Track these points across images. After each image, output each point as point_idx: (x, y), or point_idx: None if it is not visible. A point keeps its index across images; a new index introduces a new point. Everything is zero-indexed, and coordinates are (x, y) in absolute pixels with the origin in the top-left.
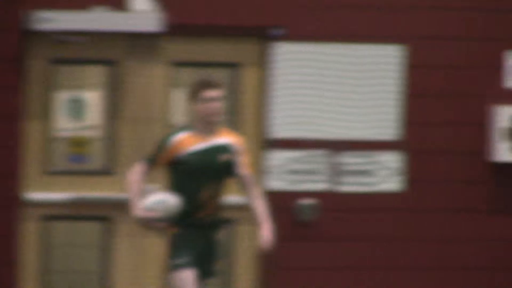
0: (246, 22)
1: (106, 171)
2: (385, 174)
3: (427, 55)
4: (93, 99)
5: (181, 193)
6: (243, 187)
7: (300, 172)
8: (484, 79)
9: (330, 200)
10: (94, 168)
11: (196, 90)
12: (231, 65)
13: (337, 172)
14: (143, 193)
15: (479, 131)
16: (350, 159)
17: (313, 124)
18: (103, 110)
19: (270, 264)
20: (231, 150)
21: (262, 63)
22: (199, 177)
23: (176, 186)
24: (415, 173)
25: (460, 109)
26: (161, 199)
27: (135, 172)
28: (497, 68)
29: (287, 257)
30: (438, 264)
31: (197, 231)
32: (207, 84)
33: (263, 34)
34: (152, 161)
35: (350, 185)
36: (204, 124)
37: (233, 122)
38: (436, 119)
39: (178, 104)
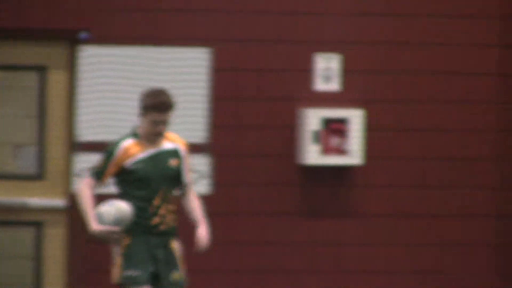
0: (55, 25)
1: None
2: (193, 177)
3: (235, 58)
4: None
5: (133, 202)
6: (183, 194)
7: None
8: (294, 82)
9: None
10: None
11: (148, 108)
12: (39, 68)
13: None
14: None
15: (289, 134)
16: None
17: (119, 127)
18: None
19: (78, 265)
20: (179, 155)
21: (70, 66)
22: (150, 184)
23: (126, 195)
24: (223, 176)
25: (269, 112)
26: (117, 212)
27: (85, 187)
28: (306, 71)
29: (96, 259)
30: (251, 267)
31: (152, 239)
32: (159, 107)
33: (71, 37)
34: (101, 174)
35: None
36: (152, 132)
37: (42, 125)
38: (246, 122)
39: None
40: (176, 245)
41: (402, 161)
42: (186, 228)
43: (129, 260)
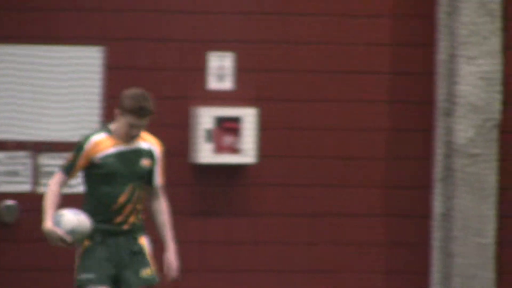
0: None
1: None
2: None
3: (128, 56)
4: None
5: (97, 198)
6: (151, 197)
7: (2, 174)
8: (187, 80)
9: (31, 202)
10: None
11: (127, 110)
12: None
13: (38, 173)
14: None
15: (182, 132)
16: (51, 161)
17: (14, 125)
18: None
19: None
20: (154, 156)
21: None
22: (117, 180)
23: (92, 190)
24: None
25: (162, 111)
26: (78, 224)
27: (54, 183)
28: (199, 70)
29: None
30: None
31: (115, 238)
32: (138, 112)
33: None
34: (70, 168)
35: None
36: (125, 132)
37: None
38: None
39: None
40: (144, 242)
41: (295, 160)
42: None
43: (85, 263)
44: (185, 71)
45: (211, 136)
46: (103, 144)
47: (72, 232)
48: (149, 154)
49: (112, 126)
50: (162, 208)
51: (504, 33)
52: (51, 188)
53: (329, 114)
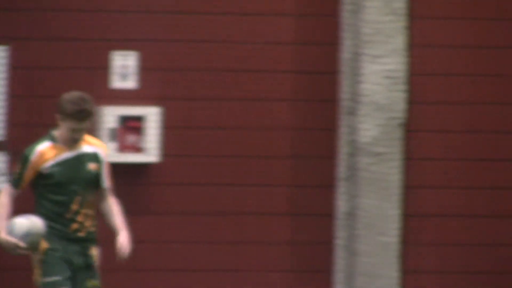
0: None
1: None
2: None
3: (33, 55)
4: None
5: (49, 208)
6: (101, 199)
7: None
8: (91, 79)
9: None
10: None
11: (66, 115)
12: None
13: None
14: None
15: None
16: None
17: None
18: None
19: None
20: (99, 158)
21: None
22: (67, 188)
23: (43, 201)
24: None
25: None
26: (29, 225)
27: (3, 195)
28: (103, 69)
29: None
30: None
31: (70, 245)
32: (78, 116)
33: None
34: (18, 181)
35: None
36: (70, 138)
37: None
38: (42, 120)
39: None
40: (95, 252)
41: (199, 159)
42: (104, 233)
43: (47, 266)
44: (89, 70)
45: (115, 135)
46: (48, 153)
47: (27, 234)
48: (94, 157)
49: (56, 133)
50: (113, 208)
51: (408, 31)
52: (1, 200)
53: (233, 113)
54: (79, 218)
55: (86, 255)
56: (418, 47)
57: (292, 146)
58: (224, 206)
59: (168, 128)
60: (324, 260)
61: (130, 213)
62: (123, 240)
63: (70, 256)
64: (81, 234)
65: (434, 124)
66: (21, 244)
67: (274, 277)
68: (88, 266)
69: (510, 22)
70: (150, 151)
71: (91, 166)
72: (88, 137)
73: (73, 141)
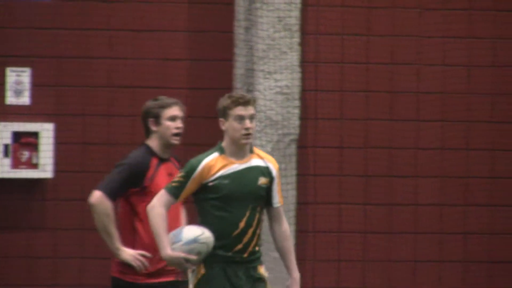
0: None
1: None
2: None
3: None
4: None
5: (214, 224)
6: (272, 220)
7: None
8: None
9: None
10: None
11: (228, 106)
12: None
13: None
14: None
15: None
16: None
17: None
18: None
19: None
20: (271, 174)
21: None
22: (234, 204)
23: (207, 216)
24: None
25: None
26: (197, 235)
27: (160, 205)
28: None
29: None
30: None
31: (234, 269)
32: (239, 101)
33: None
34: (178, 191)
35: None
36: (236, 145)
37: None
38: None
39: None
40: (263, 271)
41: (91, 175)
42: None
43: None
44: None
45: (9, 151)
46: (215, 164)
47: (194, 241)
48: (266, 171)
49: (224, 143)
50: (286, 233)
51: (302, 48)
52: (158, 212)
53: (124, 129)
54: (245, 238)
55: (254, 275)
56: (311, 63)
57: (186, 161)
58: None
59: (62, 144)
60: None
61: (25, 229)
62: (294, 285)
63: (234, 281)
64: (245, 255)
65: (328, 140)
66: (190, 256)
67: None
68: (259, 285)
69: (402, 38)
70: (44, 167)
71: (262, 180)
72: (259, 151)
73: (244, 137)
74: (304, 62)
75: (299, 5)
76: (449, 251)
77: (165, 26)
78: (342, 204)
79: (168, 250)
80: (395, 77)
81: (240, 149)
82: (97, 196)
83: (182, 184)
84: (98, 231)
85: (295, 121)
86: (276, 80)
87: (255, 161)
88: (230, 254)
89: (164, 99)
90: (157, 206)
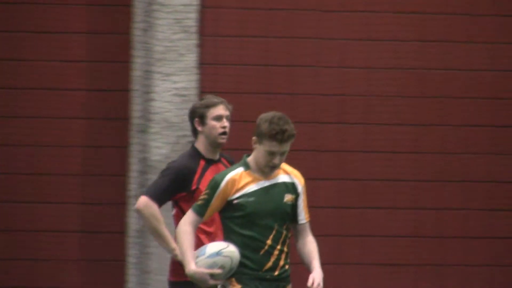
0: None
1: None
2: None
3: None
4: None
5: (239, 243)
6: (297, 236)
7: None
8: None
9: None
10: None
11: (265, 135)
12: None
13: None
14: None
15: None
16: None
17: None
18: None
19: None
20: (297, 189)
21: None
22: (260, 221)
23: (231, 235)
24: None
25: None
26: (221, 248)
27: (186, 223)
28: None
29: None
30: None
31: (267, 286)
32: (278, 137)
33: None
34: (204, 209)
35: None
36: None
37: None
38: None
39: None
40: None
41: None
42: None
43: None
44: None
45: None
46: (241, 181)
47: (217, 253)
48: (292, 187)
49: (250, 158)
50: (308, 240)
51: (199, 49)
52: (184, 229)
53: (25, 130)
54: (272, 256)
55: None
56: (209, 65)
57: (84, 163)
58: (16, 224)
59: None
60: (115, 278)
61: None
62: (316, 274)
63: None
64: (276, 274)
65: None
66: (214, 271)
67: None
68: None
69: (301, 40)
70: None
71: (288, 197)
72: (285, 165)
73: (270, 168)
74: (202, 64)
75: (197, 7)
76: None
77: (64, 28)
78: None
79: (192, 265)
80: (295, 79)
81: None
82: (142, 201)
83: (206, 202)
84: (153, 236)
85: None
86: (173, 82)
87: (281, 177)
88: (260, 272)
89: (210, 98)
90: (183, 224)
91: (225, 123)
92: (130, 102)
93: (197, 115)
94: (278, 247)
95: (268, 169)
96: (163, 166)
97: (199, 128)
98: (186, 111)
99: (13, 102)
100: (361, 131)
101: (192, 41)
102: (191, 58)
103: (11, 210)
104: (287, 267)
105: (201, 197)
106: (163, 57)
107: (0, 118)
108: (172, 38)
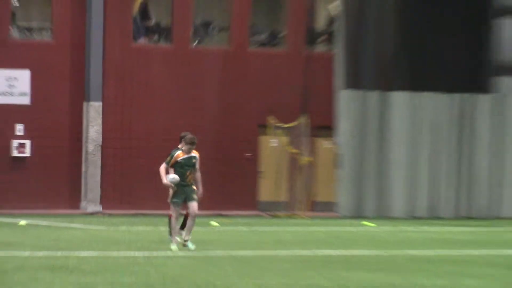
0: None
1: None
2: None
3: None
4: None
5: (179, 174)
6: (194, 172)
7: None
8: None
9: None
10: None
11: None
12: None
13: None
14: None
15: None
16: None
17: None
18: None
19: None
20: (196, 158)
21: None
22: (184, 168)
23: (176, 172)
24: None
25: None
26: (171, 177)
27: (163, 167)
28: None
29: None
30: None
31: (185, 187)
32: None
33: None
34: (168, 163)
35: None
36: (187, 150)
37: None
38: None
39: None
40: (194, 188)
41: None
42: None
43: (174, 195)
44: None
45: None
46: (179, 155)
47: (173, 178)
48: (194, 157)
49: (180, 146)
50: (197, 177)
51: None
52: (162, 169)
53: None
54: (187, 179)
55: (191, 191)
56: None
57: None
58: None
59: None
60: None
61: None
62: (199, 189)
63: (184, 192)
64: (188, 184)
65: None
66: (172, 183)
67: None
68: (190, 193)
69: None
70: None
71: (193, 160)
72: (193, 150)
73: (187, 152)
74: None
75: None
76: None
77: None
78: None
79: (165, 180)
80: None
81: (188, 151)
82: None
83: (169, 160)
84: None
85: None
86: None
87: (192, 154)
88: (184, 183)
89: None
90: (162, 168)
91: None
92: None
93: None
94: (190, 176)
95: (187, 152)
96: None
97: None
98: None
99: None
100: None
101: None
102: None
103: None
104: (191, 182)
105: (167, 159)
106: None
107: None
108: None
